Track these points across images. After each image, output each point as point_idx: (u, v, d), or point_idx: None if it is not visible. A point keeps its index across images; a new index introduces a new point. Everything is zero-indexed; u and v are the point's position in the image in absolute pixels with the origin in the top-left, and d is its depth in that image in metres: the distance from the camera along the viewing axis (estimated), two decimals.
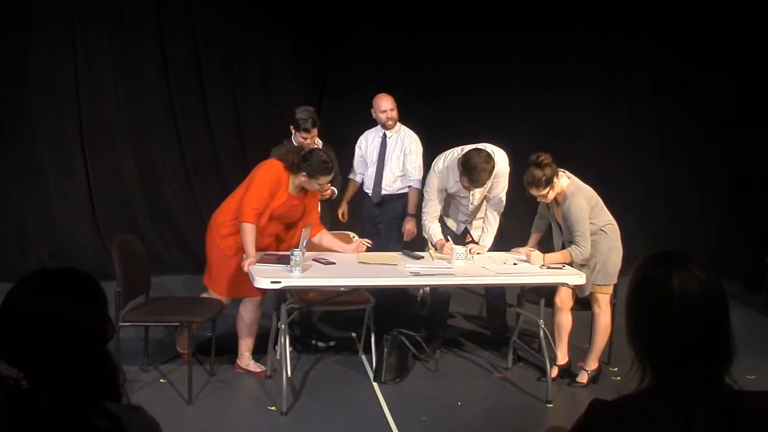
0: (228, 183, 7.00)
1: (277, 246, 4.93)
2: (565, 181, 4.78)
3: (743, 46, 7.57)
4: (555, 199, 4.86)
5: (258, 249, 4.66)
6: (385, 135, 5.77)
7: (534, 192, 4.75)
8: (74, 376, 1.50)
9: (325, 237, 5.02)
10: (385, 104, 5.74)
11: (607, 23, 7.73)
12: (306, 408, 4.47)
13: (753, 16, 7.44)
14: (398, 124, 5.79)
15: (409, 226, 5.67)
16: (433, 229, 5.22)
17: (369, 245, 5.07)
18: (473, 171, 4.86)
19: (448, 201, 5.32)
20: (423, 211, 5.27)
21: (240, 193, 4.79)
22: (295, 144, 5.42)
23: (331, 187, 5.54)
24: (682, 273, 1.53)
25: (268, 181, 4.67)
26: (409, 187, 5.69)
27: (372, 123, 5.90)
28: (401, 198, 5.72)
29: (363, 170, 5.90)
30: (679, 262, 1.55)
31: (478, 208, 5.31)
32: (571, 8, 7.66)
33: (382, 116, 5.72)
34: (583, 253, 4.72)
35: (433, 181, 5.18)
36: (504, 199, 5.20)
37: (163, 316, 4.63)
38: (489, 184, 5.10)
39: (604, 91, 7.98)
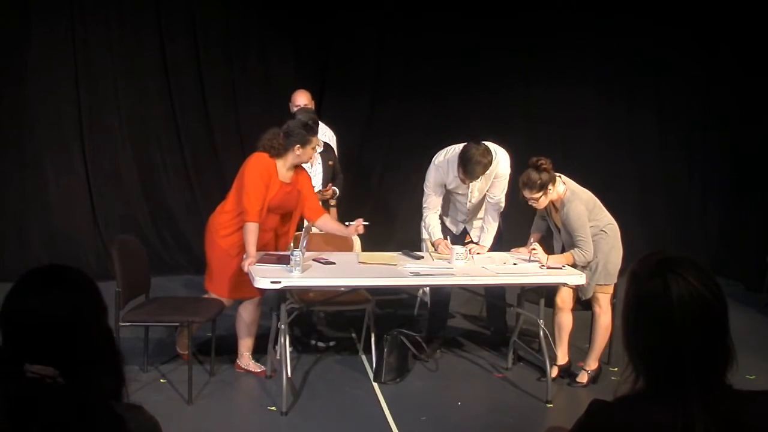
0: (228, 183, 6.96)
1: (275, 241, 4.92)
2: (561, 187, 4.78)
3: (743, 45, 7.58)
4: (553, 205, 4.87)
5: (258, 244, 4.65)
6: None
7: (526, 193, 4.74)
8: (83, 369, 1.51)
9: (325, 221, 4.98)
10: (299, 99, 5.77)
11: (608, 23, 7.74)
12: (306, 408, 4.47)
13: (753, 15, 7.44)
14: None
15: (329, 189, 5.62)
16: (432, 227, 5.21)
17: (366, 224, 4.94)
18: (468, 162, 4.84)
19: (447, 200, 5.31)
20: (423, 206, 5.26)
21: (234, 193, 4.76)
22: None
23: (333, 187, 5.54)
24: (680, 282, 1.53)
25: (258, 174, 4.64)
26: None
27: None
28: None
29: None
30: (675, 271, 1.54)
31: (477, 208, 5.30)
32: (571, 8, 7.67)
33: (296, 110, 5.69)
34: (586, 256, 4.73)
35: (432, 174, 5.17)
36: (503, 200, 5.20)
37: (163, 316, 4.62)
38: (488, 183, 5.10)
39: (605, 91, 7.99)
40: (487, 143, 5.01)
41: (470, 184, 5.12)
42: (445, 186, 5.17)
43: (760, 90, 7.47)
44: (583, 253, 4.72)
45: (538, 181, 4.67)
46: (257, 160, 4.68)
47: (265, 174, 4.64)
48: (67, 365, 1.51)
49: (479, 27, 7.58)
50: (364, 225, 4.80)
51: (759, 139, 7.56)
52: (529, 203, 4.83)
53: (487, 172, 5.06)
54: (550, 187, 4.71)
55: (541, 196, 4.72)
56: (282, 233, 4.94)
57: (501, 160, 5.08)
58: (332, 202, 5.85)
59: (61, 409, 1.46)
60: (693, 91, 7.94)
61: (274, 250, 4.87)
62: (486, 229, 5.18)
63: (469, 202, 5.25)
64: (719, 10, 7.58)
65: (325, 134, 5.89)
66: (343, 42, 7.63)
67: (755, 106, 7.59)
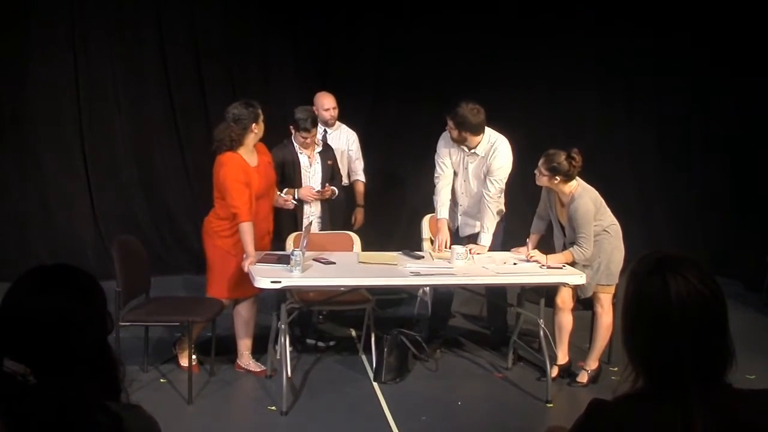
0: None
1: (268, 226, 4.96)
2: (573, 182, 4.80)
3: (744, 46, 7.57)
4: (560, 199, 4.87)
5: (258, 236, 4.67)
6: (326, 131, 5.84)
7: (540, 162, 4.76)
8: (77, 370, 1.51)
9: None
10: (327, 102, 5.83)
11: (608, 25, 7.73)
12: (306, 408, 4.47)
13: (754, 19, 7.44)
14: (337, 121, 5.94)
15: (359, 216, 5.98)
16: (440, 203, 5.25)
17: (295, 203, 5.26)
18: (453, 107, 4.96)
19: None
20: (435, 176, 5.32)
21: (220, 200, 4.75)
22: (295, 143, 5.43)
23: (332, 187, 5.54)
24: (679, 280, 1.52)
25: (235, 178, 4.63)
26: (355, 180, 5.95)
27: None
28: (346, 190, 5.93)
29: None
30: (675, 269, 1.54)
31: (472, 202, 5.25)
32: (572, 10, 7.66)
33: (326, 114, 5.79)
34: (585, 254, 4.73)
35: (440, 141, 5.28)
36: (502, 197, 5.20)
37: (163, 316, 4.63)
38: (482, 168, 5.08)
39: (605, 92, 7.98)
40: (495, 132, 5.12)
41: (465, 159, 5.14)
42: (450, 158, 5.22)
43: (761, 92, 7.46)
44: (583, 251, 4.72)
45: (556, 164, 4.70)
46: (229, 165, 4.66)
47: (241, 174, 4.64)
48: (46, 365, 1.50)
49: (480, 28, 7.57)
50: (294, 202, 5.24)
51: (759, 140, 7.55)
52: (534, 171, 4.84)
53: (482, 155, 5.09)
54: (558, 177, 4.71)
55: (546, 175, 4.75)
56: (270, 218, 5.00)
57: (499, 149, 5.09)
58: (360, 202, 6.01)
59: (24, 407, 1.45)
60: (693, 91, 7.92)
61: (267, 236, 4.94)
62: (485, 227, 5.17)
63: (464, 181, 5.23)
64: (720, 13, 7.56)
65: (350, 138, 5.97)
66: (343, 42, 7.62)
67: (756, 107, 7.58)
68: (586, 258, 4.75)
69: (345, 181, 5.96)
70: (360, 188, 6.04)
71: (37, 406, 1.45)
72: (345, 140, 5.95)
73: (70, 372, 1.50)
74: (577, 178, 4.83)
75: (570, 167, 4.70)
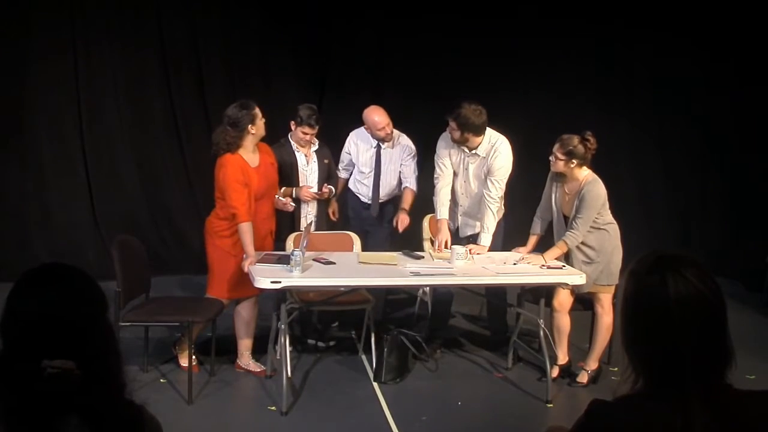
0: None
1: (270, 226, 4.97)
2: (585, 171, 4.82)
3: (743, 47, 7.57)
4: (565, 189, 4.86)
5: (260, 236, 4.68)
6: (379, 146, 5.63)
7: (555, 148, 4.78)
8: (85, 368, 1.51)
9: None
10: (381, 120, 5.49)
11: (607, 28, 7.73)
12: (306, 408, 4.47)
13: (754, 23, 7.44)
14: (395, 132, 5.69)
15: (402, 216, 5.47)
16: (440, 203, 5.23)
17: (294, 205, 5.19)
18: (455, 108, 4.93)
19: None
20: (434, 177, 5.30)
21: (219, 197, 4.77)
22: (293, 142, 5.42)
23: (330, 187, 5.54)
24: (678, 279, 1.52)
25: (234, 179, 4.64)
26: (405, 187, 5.63)
27: None
28: (393, 200, 5.72)
29: (351, 169, 5.80)
30: (674, 268, 1.54)
31: (474, 202, 5.26)
32: (572, 13, 7.66)
33: (380, 133, 5.51)
34: (577, 238, 4.74)
35: (440, 142, 5.27)
36: (502, 197, 5.20)
37: (163, 316, 4.63)
38: (482, 169, 5.08)
39: (605, 93, 7.98)
40: (496, 132, 5.11)
41: (465, 160, 5.14)
42: (450, 159, 5.20)
43: (761, 93, 7.45)
44: (575, 234, 4.73)
45: (572, 148, 4.72)
46: (227, 167, 4.68)
47: (239, 175, 4.66)
48: (81, 360, 1.51)
49: (479, 30, 7.57)
50: (293, 204, 5.18)
51: (758, 140, 7.55)
52: (549, 158, 4.85)
53: (482, 155, 5.09)
54: (574, 161, 4.71)
55: (562, 160, 4.75)
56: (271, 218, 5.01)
57: (500, 149, 5.09)
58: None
59: (92, 400, 1.47)
60: (693, 93, 7.92)
61: (269, 236, 4.95)
62: (485, 228, 5.16)
63: (464, 181, 5.23)
64: (720, 17, 7.56)
65: (404, 153, 5.61)
66: (343, 42, 7.62)
67: (755, 108, 7.58)
68: (578, 242, 4.74)
69: (397, 191, 5.65)
70: (406, 194, 5.56)
71: (71, 401, 1.46)
72: (398, 156, 5.61)
73: (90, 367, 1.52)
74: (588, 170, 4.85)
75: (586, 150, 4.73)
